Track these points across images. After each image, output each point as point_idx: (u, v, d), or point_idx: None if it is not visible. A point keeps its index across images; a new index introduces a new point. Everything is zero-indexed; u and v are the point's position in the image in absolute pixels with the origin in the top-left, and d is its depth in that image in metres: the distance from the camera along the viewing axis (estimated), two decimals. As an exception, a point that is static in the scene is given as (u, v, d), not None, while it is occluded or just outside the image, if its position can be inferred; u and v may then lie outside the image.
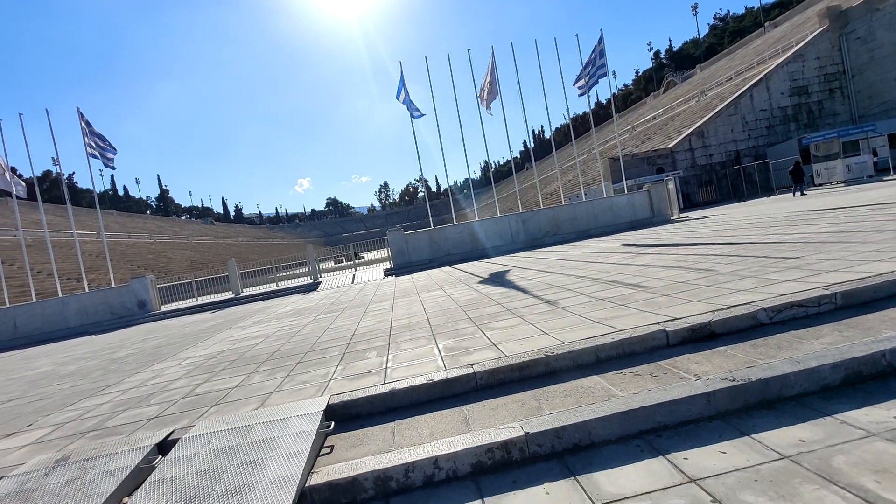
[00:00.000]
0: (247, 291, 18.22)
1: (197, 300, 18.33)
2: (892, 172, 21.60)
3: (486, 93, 20.08)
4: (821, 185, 23.59)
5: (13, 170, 17.46)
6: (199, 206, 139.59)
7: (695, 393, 2.62)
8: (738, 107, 31.55)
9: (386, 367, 3.97)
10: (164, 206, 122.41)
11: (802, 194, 20.46)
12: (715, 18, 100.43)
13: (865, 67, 30.66)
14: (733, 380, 2.68)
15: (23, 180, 17.84)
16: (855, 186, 19.58)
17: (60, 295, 17.20)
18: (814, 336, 3.22)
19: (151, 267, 43.37)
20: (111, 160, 18.42)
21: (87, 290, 17.66)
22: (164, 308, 17.44)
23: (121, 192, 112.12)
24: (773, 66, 32.62)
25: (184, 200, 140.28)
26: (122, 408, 4.31)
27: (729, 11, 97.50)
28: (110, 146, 18.39)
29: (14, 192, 17.11)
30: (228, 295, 17.95)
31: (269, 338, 7.01)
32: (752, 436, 2.35)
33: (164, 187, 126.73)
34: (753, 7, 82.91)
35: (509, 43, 20.60)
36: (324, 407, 3.17)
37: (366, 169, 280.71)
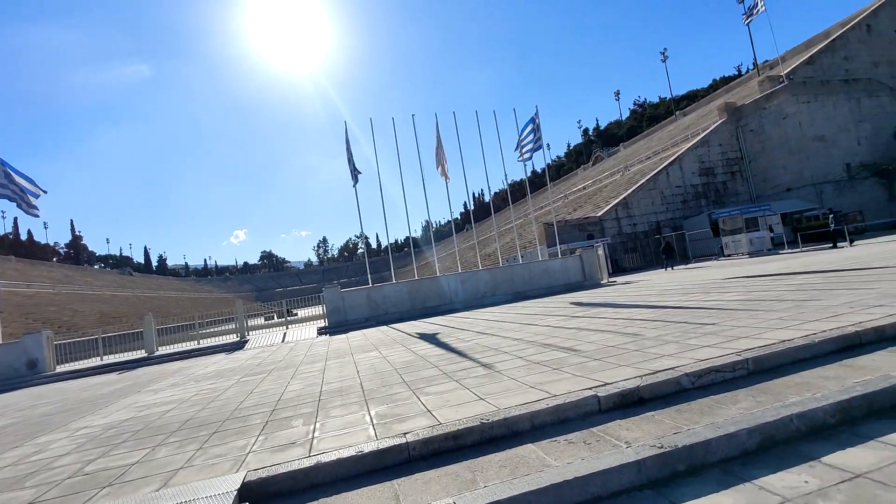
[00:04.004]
0: (163, 349, 16.66)
1: (102, 359, 16.47)
2: (786, 247, 24.39)
3: (439, 158, 20.92)
4: (729, 255, 26.10)
5: None
6: (118, 254, 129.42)
7: (626, 461, 2.63)
8: (657, 182, 34.84)
9: (312, 438, 3.68)
10: (76, 253, 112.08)
11: (672, 269, 23.61)
12: (634, 104, 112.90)
13: (758, 155, 35.30)
14: (661, 446, 2.73)
15: None
16: (757, 258, 21.82)
17: (-69, 352, 14.80)
18: (731, 401, 3.40)
19: (52, 321, 38.80)
20: (33, 207, 16.53)
21: (-34, 346, 15.34)
22: (61, 368, 15.50)
23: (24, 237, 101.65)
24: (684, 149, 36.70)
25: (100, 249, 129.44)
26: (-11, 492, 3.63)
27: (646, 99, 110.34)
28: (32, 193, 16.50)
29: None
30: (141, 353, 16.31)
31: (184, 403, 6.35)
32: (681, 506, 2.36)
33: (77, 233, 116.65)
34: (666, 98, 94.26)
35: (451, 112, 21.83)
36: (238, 485, 2.84)
37: (306, 223, 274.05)
